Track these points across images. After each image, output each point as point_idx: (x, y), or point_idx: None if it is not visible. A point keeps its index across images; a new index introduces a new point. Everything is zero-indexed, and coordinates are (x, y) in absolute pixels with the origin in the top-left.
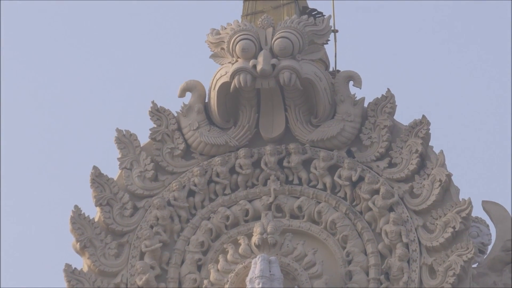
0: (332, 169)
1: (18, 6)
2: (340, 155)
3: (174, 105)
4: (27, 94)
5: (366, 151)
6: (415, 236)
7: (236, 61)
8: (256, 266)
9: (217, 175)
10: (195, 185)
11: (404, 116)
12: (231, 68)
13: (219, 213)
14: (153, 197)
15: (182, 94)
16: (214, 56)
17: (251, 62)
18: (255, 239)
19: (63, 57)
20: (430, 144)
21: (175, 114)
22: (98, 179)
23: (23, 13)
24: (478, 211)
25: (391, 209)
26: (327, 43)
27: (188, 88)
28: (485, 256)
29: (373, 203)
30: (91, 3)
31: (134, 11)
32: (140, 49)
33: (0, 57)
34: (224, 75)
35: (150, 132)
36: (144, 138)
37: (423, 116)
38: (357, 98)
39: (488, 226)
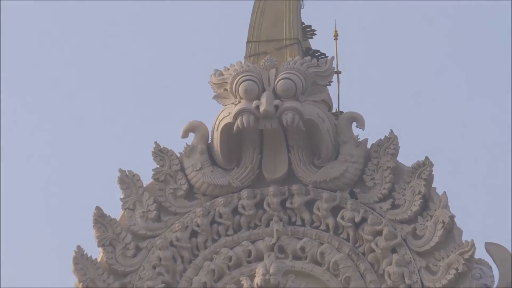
0: (335, 210)
1: (18, 6)
2: (343, 196)
3: (177, 146)
4: (29, 131)
5: (369, 192)
6: (418, 278)
7: (239, 102)
8: None
9: (220, 215)
10: (197, 226)
11: (407, 157)
12: (234, 109)
13: (222, 254)
14: (155, 237)
15: (185, 135)
16: (217, 97)
17: (254, 103)
18: (257, 280)
19: (66, 96)
20: (433, 185)
21: (178, 155)
22: (100, 219)
23: (23, 13)
24: (481, 253)
25: (394, 250)
26: (330, 84)
27: (191, 128)
28: None
29: (376, 245)
30: (93, 40)
31: (139, 49)
32: (144, 89)
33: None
34: (227, 116)
35: (153, 172)
36: (147, 179)
37: (426, 157)
38: (360, 139)
39: (491, 268)
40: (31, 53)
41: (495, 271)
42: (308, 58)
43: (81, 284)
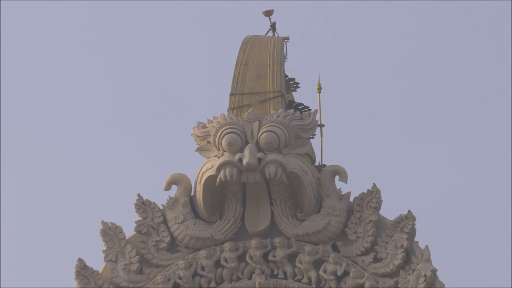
0: (317, 264)
1: (18, 6)
2: (326, 249)
3: (160, 198)
4: (11, 177)
5: (352, 246)
6: None
7: (222, 154)
8: None
9: (202, 268)
10: (180, 278)
11: (389, 210)
12: (217, 162)
13: None
14: None
15: (167, 187)
16: (200, 150)
17: (237, 156)
18: None
19: (50, 140)
20: (415, 239)
21: (161, 207)
22: (83, 271)
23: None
24: None
25: None
26: (313, 137)
27: (173, 181)
28: None
29: None
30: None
31: (124, 99)
32: (126, 142)
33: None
34: (210, 168)
35: (135, 224)
36: (129, 231)
37: (409, 211)
38: (343, 193)
39: None
40: (31, 53)
41: None
42: (292, 111)
43: None
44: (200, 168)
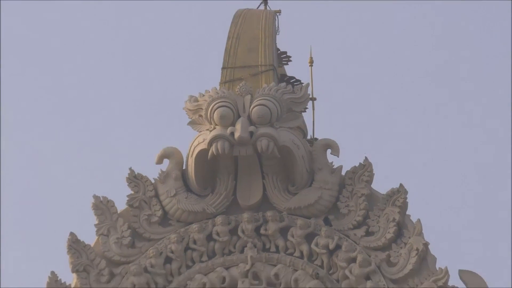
0: (309, 237)
1: (18, 6)
2: (318, 223)
3: (152, 172)
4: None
5: (344, 219)
6: None
7: (214, 128)
8: None
9: (194, 242)
10: (172, 252)
11: (381, 184)
12: (208, 135)
13: (196, 280)
14: (130, 263)
15: (159, 161)
16: (192, 123)
17: (229, 130)
18: None
19: (41, 117)
20: (407, 212)
21: (153, 181)
22: (75, 245)
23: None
24: (455, 281)
25: (368, 277)
26: (305, 111)
27: (165, 155)
28: None
29: (350, 272)
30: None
31: (114, 76)
32: (118, 116)
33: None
34: (202, 142)
35: (127, 198)
36: (121, 205)
37: (401, 184)
38: (334, 167)
39: None
40: (31, 53)
41: None
42: (283, 84)
43: None
44: (191, 142)
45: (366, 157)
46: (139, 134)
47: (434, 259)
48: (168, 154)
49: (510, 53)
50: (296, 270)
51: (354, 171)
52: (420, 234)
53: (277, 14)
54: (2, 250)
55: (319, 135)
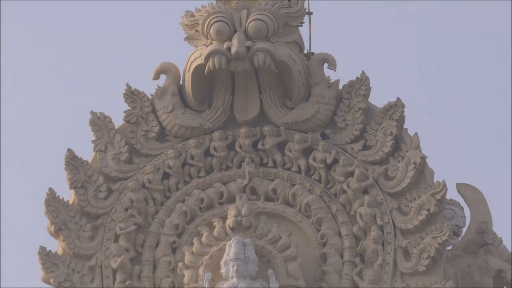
0: (306, 152)
1: (18, 6)
2: (315, 137)
3: (149, 88)
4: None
5: (341, 134)
6: (389, 219)
7: (211, 43)
8: (231, 248)
9: (192, 157)
10: (169, 168)
11: (378, 98)
12: (205, 50)
13: (194, 195)
14: (127, 179)
15: (156, 77)
16: (188, 38)
17: (226, 44)
18: (229, 221)
19: (38, 38)
20: (404, 126)
21: (150, 97)
22: (72, 161)
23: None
24: (452, 194)
25: (365, 191)
26: (301, 25)
27: (162, 70)
28: (460, 238)
29: (348, 186)
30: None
31: None
32: (114, 32)
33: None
34: (199, 57)
35: (124, 114)
36: (118, 121)
37: (398, 98)
38: (331, 81)
39: (462, 208)
40: (31, 53)
41: (467, 212)
42: None
43: (53, 226)
44: (188, 57)
45: (363, 71)
46: (136, 50)
47: (432, 173)
48: (165, 69)
49: (511, 53)
50: (294, 185)
51: (351, 85)
52: (418, 147)
53: None
54: None
55: (316, 50)
